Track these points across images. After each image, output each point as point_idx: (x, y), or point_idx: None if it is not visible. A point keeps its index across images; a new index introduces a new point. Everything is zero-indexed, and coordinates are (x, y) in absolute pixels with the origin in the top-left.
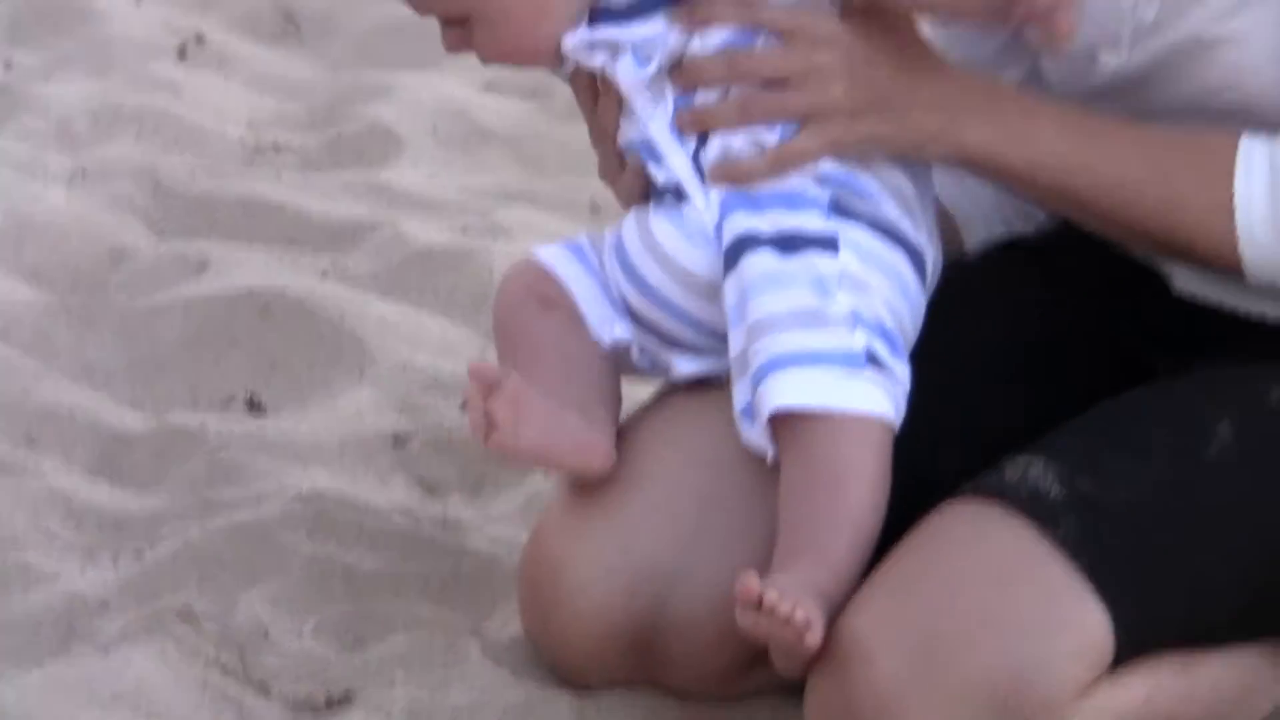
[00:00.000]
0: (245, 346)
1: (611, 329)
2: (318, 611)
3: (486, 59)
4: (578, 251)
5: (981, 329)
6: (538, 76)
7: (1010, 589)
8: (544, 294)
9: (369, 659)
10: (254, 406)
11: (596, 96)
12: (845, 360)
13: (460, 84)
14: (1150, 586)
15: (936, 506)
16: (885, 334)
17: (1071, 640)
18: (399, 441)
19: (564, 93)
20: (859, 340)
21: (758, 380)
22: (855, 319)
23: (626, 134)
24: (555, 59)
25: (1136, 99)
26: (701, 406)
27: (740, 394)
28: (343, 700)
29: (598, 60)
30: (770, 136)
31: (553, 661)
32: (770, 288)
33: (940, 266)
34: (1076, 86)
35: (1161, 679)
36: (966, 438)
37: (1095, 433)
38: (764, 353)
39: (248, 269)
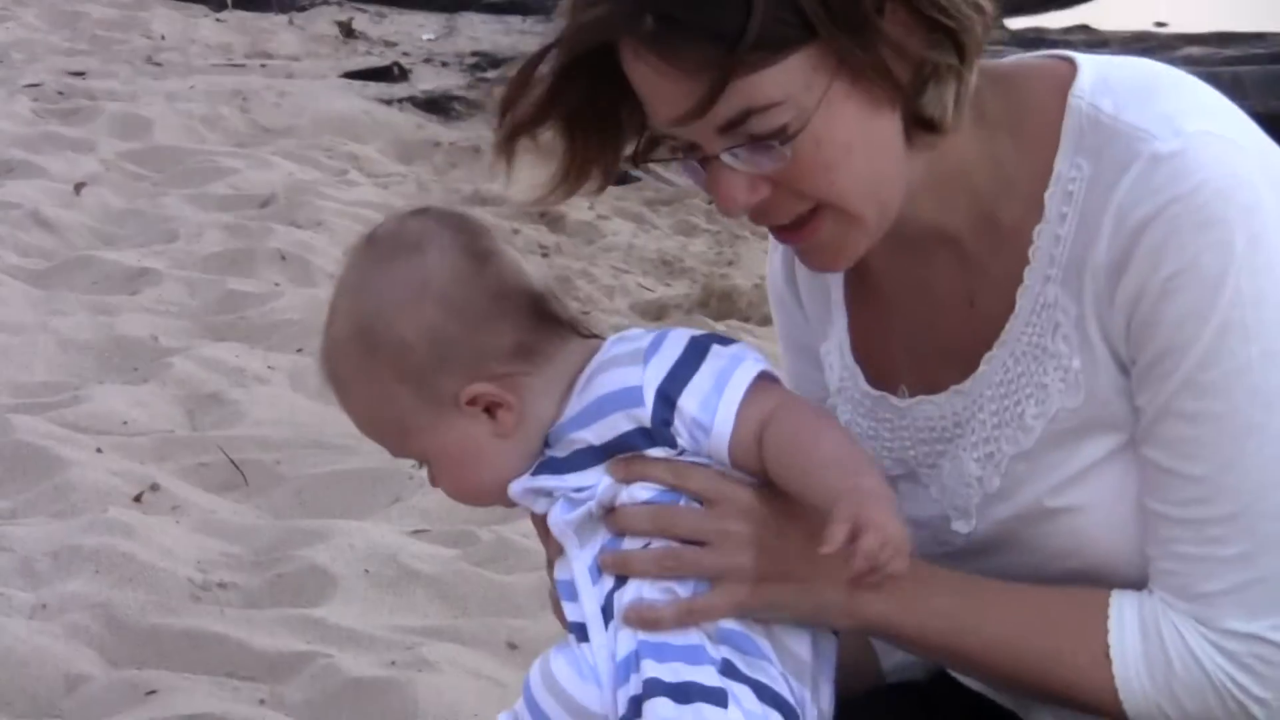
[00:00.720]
0: None
1: None
2: None
3: (447, 495)
4: None
5: None
6: (462, 525)
7: None
8: None
9: None
10: None
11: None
12: None
13: (391, 531)
14: None
15: None
16: None
17: None
18: None
19: (486, 539)
20: None
21: None
22: None
23: (559, 573)
24: (504, 500)
25: (988, 563)
26: None
27: None
28: None
29: (538, 506)
30: (683, 589)
31: None
32: None
33: (832, 706)
34: (933, 552)
35: None
36: None
37: None
38: None
39: (192, 696)
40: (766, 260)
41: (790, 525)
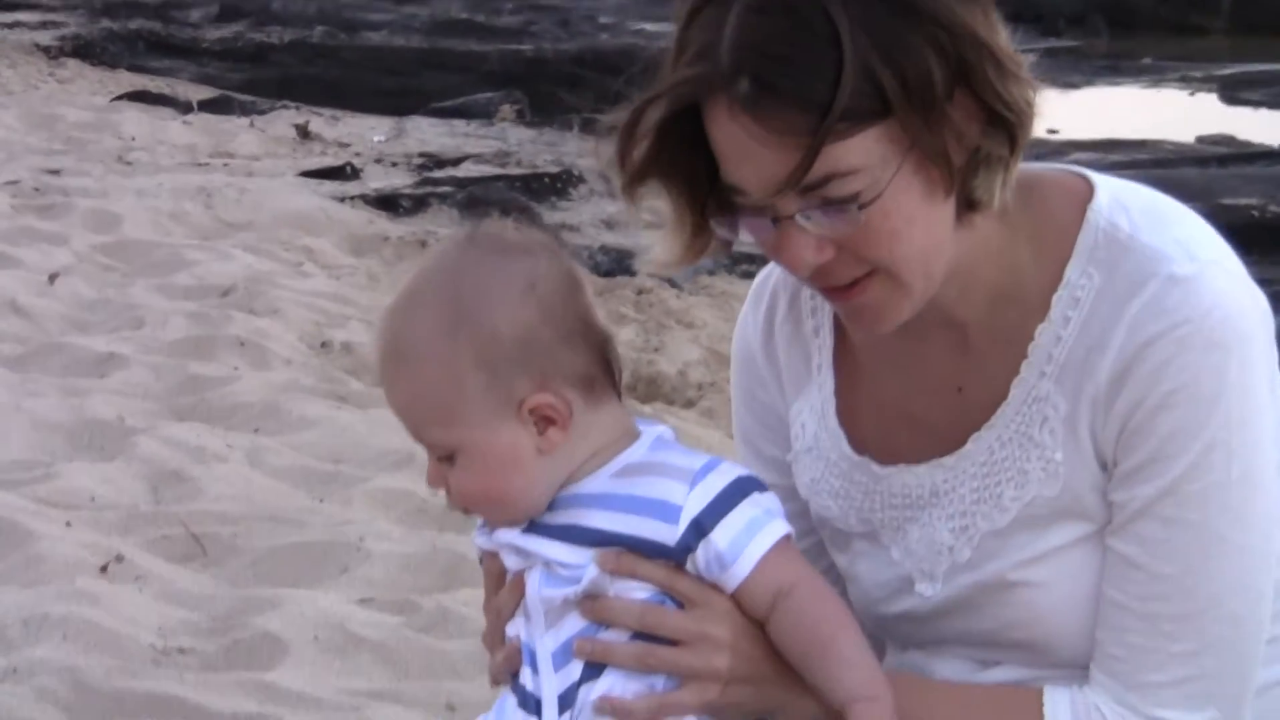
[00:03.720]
0: None
1: None
2: None
3: (459, 500)
4: None
5: None
6: (406, 594)
7: None
8: None
9: None
10: None
11: (500, 583)
12: None
13: (339, 599)
14: None
15: None
16: None
17: None
18: None
19: (428, 607)
20: None
21: None
22: None
23: (516, 628)
24: (519, 515)
25: (945, 626)
26: None
27: None
28: None
29: (510, 561)
30: (656, 683)
31: None
32: None
33: None
34: (894, 610)
35: None
36: None
37: None
38: None
39: None
40: (737, 329)
41: (761, 631)
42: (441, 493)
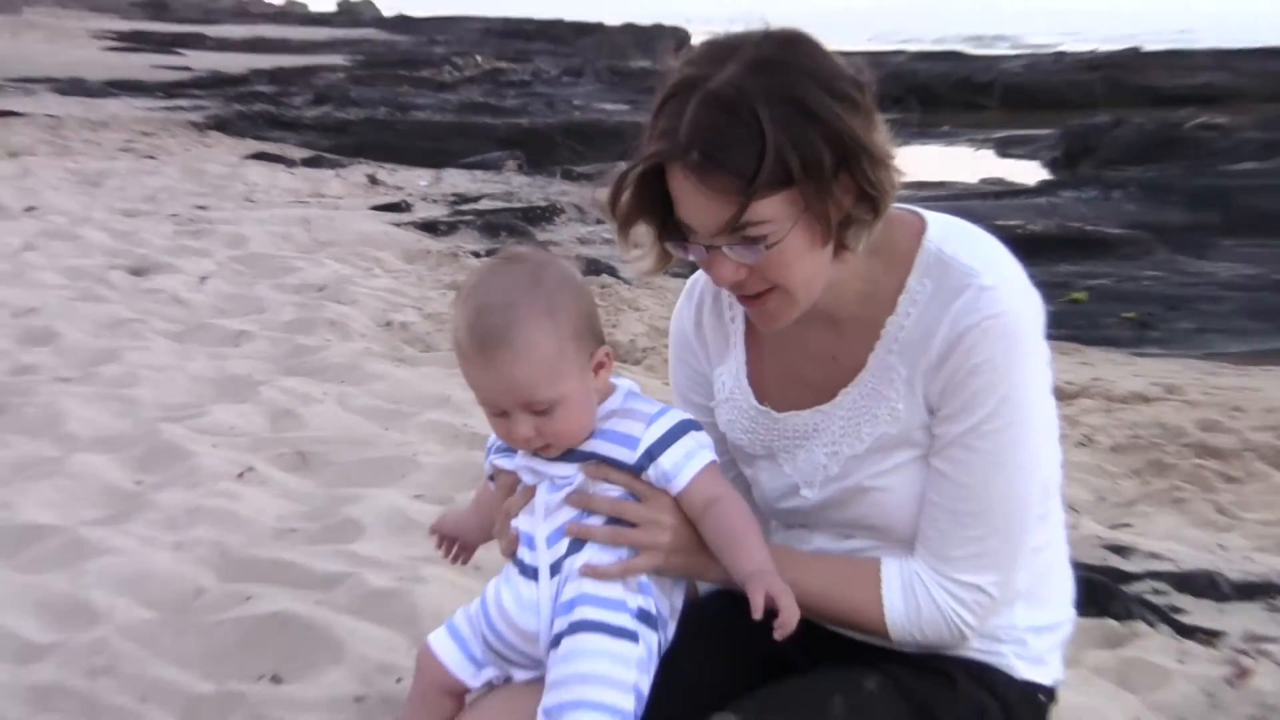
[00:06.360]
0: None
1: (476, 676)
2: None
3: (554, 438)
4: (453, 631)
5: (708, 646)
6: (446, 492)
7: None
8: (430, 676)
9: None
10: None
11: (510, 493)
12: (621, 715)
13: (400, 495)
14: None
15: None
16: (638, 693)
17: None
18: None
19: (460, 500)
20: (629, 701)
21: (560, 709)
22: (635, 689)
23: (519, 522)
24: (582, 440)
25: (820, 516)
26: (531, 691)
27: (544, 704)
28: None
29: (528, 478)
30: (621, 554)
31: None
32: (591, 656)
33: (679, 613)
34: (785, 506)
35: None
36: (690, 702)
37: (765, 700)
38: (569, 693)
39: (276, 600)
40: (674, 315)
41: (688, 527)
42: (528, 436)
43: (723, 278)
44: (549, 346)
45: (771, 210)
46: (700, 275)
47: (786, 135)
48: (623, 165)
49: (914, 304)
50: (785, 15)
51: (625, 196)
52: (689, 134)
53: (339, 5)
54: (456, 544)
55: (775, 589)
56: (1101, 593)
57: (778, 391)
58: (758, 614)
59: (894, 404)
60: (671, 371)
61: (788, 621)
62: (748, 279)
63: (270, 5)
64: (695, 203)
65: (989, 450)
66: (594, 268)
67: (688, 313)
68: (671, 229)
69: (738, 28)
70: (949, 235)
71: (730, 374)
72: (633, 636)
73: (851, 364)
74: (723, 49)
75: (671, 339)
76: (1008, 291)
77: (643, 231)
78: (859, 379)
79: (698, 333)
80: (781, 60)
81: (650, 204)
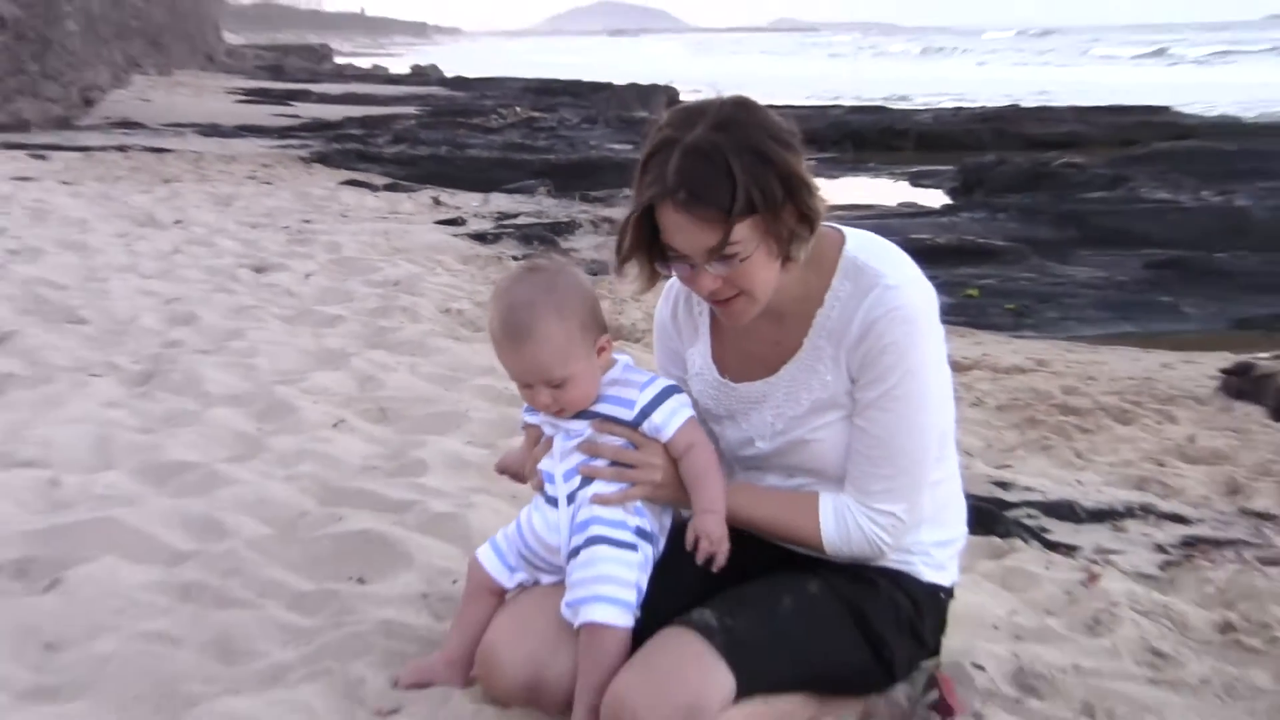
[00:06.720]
0: None
1: (511, 579)
2: None
3: (567, 404)
4: (494, 546)
5: (689, 557)
6: (495, 439)
7: (690, 665)
8: (478, 579)
9: None
10: None
11: (536, 441)
12: (626, 605)
13: (456, 442)
14: (754, 664)
15: (660, 630)
16: (639, 589)
17: (715, 689)
18: None
19: (503, 446)
20: (632, 596)
21: (579, 602)
22: (636, 586)
23: (543, 464)
24: (587, 405)
25: (771, 461)
26: (555, 591)
27: (567, 599)
28: None
29: (548, 430)
30: (621, 487)
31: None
32: (602, 562)
33: (668, 530)
34: (744, 454)
35: (755, 707)
36: (676, 599)
37: (732, 598)
38: (586, 590)
39: (361, 520)
40: (656, 311)
41: (673, 466)
42: (547, 403)
43: (703, 288)
44: (561, 337)
45: (741, 234)
46: (674, 282)
47: (751, 176)
48: (626, 217)
49: (837, 300)
50: (740, 79)
51: (626, 238)
52: (675, 179)
53: (412, 69)
54: (512, 475)
55: (705, 528)
56: (988, 517)
57: (735, 367)
58: (689, 545)
59: (824, 376)
60: (655, 352)
61: (704, 551)
62: (721, 287)
63: (359, 69)
64: (685, 232)
65: (896, 410)
66: (604, 269)
67: (666, 309)
68: (658, 255)
69: (700, 95)
70: (863, 246)
71: (699, 354)
72: (633, 547)
73: (791, 346)
74: (692, 113)
75: (655, 328)
76: (908, 289)
77: (633, 264)
78: (797, 357)
79: (674, 323)
80: (739, 119)
81: (643, 238)
